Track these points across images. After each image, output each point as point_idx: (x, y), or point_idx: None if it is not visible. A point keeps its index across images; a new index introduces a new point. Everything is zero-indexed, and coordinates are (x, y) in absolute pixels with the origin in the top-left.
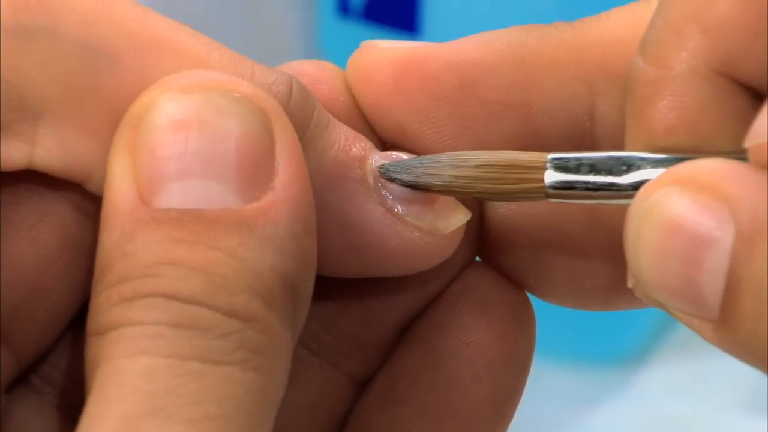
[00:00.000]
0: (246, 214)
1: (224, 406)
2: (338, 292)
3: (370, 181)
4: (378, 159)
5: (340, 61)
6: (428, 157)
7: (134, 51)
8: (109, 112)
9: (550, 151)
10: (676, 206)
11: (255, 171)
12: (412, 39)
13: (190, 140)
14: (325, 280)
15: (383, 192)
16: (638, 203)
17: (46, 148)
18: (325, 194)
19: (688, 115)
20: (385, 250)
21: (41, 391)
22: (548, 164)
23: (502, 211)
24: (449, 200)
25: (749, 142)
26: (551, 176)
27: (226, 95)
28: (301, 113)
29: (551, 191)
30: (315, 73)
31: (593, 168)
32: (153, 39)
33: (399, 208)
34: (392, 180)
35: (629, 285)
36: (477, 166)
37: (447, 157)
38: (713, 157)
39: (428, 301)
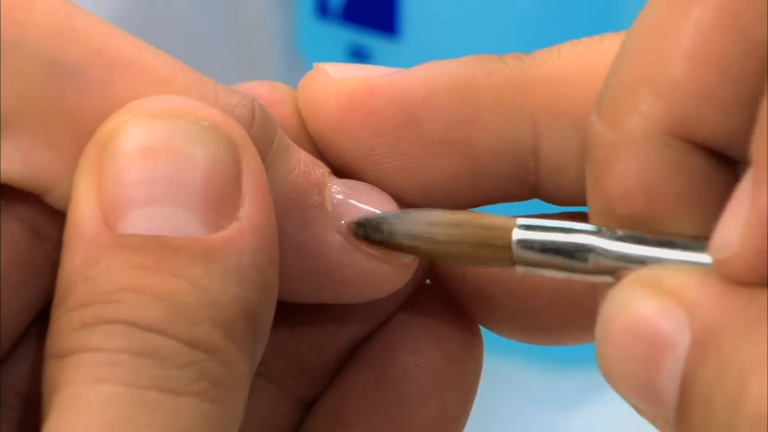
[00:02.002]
0: (211, 244)
1: None
2: (287, 314)
3: (329, 208)
4: (337, 188)
5: (319, 62)
6: (396, 216)
7: (99, 67)
8: (73, 126)
9: (493, 192)
10: (638, 308)
11: (221, 200)
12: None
13: (157, 167)
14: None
15: (341, 220)
16: (606, 303)
17: (7, 160)
18: (284, 220)
19: (646, 179)
20: (340, 278)
21: None
22: (514, 244)
23: None
24: None
25: (714, 255)
26: (519, 256)
27: (195, 123)
28: (263, 137)
29: (520, 268)
30: (268, 95)
31: (558, 252)
32: (118, 56)
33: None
34: (363, 238)
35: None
36: (445, 242)
37: (415, 218)
38: (676, 229)
39: (378, 324)
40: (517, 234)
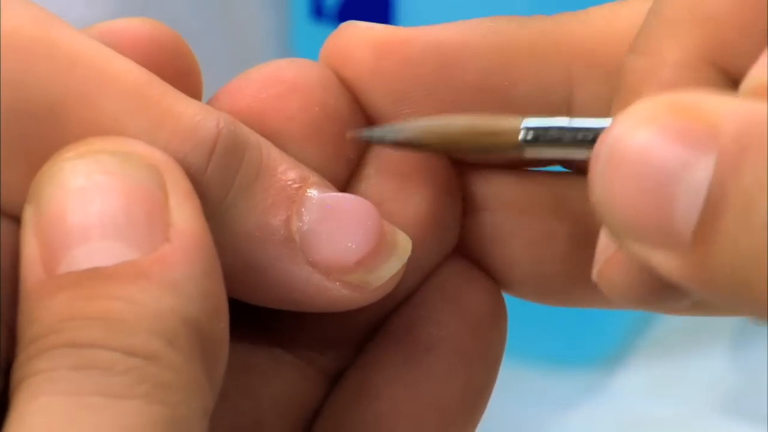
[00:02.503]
0: (141, 265)
1: None
2: None
3: (297, 238)
4: (307, 216)
5: None
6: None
7: (54, 111)
8: (31, 167)
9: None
10: (646, 131)
11: (150, 225)
12: None
13: (84, 205)
14: None
15: (311, 247)
16: (602, 139)
17: None
18: (249, 256)
19: None
20: (315, 306)
21: None
22: (523, 126)
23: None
24: (385, 245)
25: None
26: (528, 122)
27: (114, 155)
28: (221, 178)
29: (528, 141)
30: (293, 79)
31: (565, 131)
32: (79, 88)
33: (326, 263)
34: (376, 142)
35: (593, 277)
36: (447, 117)
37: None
38: None
39: (403, 297)
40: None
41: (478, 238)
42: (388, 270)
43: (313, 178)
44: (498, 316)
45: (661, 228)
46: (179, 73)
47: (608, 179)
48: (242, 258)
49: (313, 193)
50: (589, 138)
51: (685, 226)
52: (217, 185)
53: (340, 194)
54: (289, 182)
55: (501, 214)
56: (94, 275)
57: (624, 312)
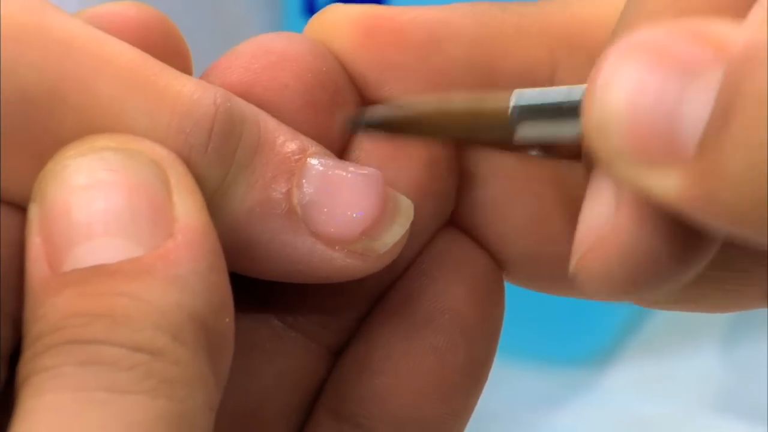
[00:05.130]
0: (146, 261)
1: (134, 430)
2: None
3: (299, 210)
4: (308, 186)
5: None
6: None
7: (51, 98)
8: (33, 157)
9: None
10: (638, 65)
11: (153, 221)
12: None
13: (88, 202)
14: None
15: (313, 219)
16: (595, 75)
17: None
18: (251, 232)
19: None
20: (319, 277)
21: None
22: (512, 101)
23: (473, 170)
24: (387, 211)
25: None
26: (516, 109)
27: (117, 152)
28: (221, 156)
29: (519, 128)
30: (283, 50)
31: (554, 103)
32: (74, 73)
33: (330, 235)
34: (365, 129)
35: (571, 269)
36: (440, 100)
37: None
38: None
39: (402, 269)
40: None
41: (475, 214)
42: (393, 236)
43: (313, 147)
44: (496, 285)
45: (662, 142)
46: (169, 54)
47: (606, 107)
48: (245, 234)
49: (313, 163)
50: (577, 101)
51: (688, 137)
52: (217, 163)
53: (341, 163)
54: (288, 154)
55: (498, 191)
56: (99, 272)
57: (614, 310)
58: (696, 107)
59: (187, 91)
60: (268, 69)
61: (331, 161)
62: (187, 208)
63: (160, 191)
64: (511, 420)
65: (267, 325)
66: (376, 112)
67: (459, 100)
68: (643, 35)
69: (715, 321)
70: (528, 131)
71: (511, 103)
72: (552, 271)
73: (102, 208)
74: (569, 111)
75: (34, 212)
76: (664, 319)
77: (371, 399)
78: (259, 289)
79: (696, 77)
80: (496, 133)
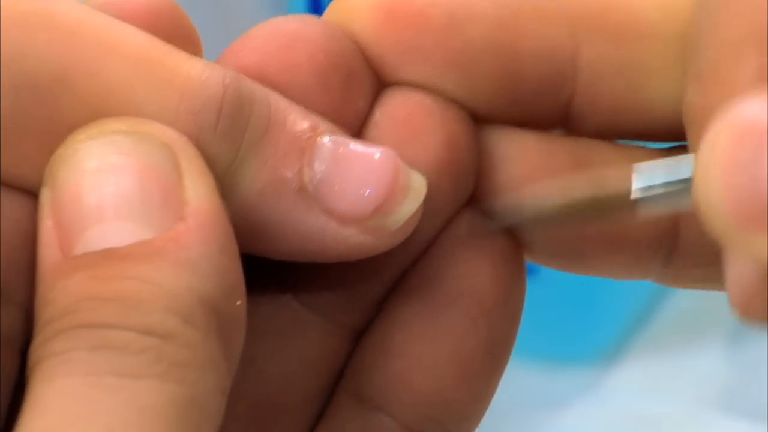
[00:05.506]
0: (156, 244)
1: (146, 414)
2: None
3: (310, 188)
4: (320, 163)
5: None
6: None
7: (61, 81)
8: (43, 141)
9: (535, 95)
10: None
11: (164, 204)
12: None
13: (99, 186)
14: None
15: (325, 197)
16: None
17: None
18: (262, 212)
19: None
20: (331, 255)
21: None
22: (634, 184)
23: (492, 148)
24: (400, 187)
25: None
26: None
27: (128, 135)
28: (231, 133)
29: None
30: (296, 31)
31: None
32: (80, 58)
33: (342, 212)
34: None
35: (732, 305)
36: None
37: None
38: None
39: (422, 248)
40: (636, 178)
41: (495, 194)
42: (405, 213)
43: (324, 125)
44: (517, 266)
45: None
46: (179, 41)
47: (712, 166)
48: (256, 213)
49: (324, 141)
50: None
51: None
52: (226, 143)
53: (352, 141)
54: (299, 132)
55: (518, 171)
56: (109, 255)
57: (620, 309)
58: None
59: (196, 72)
60: (280, 50)
61: (342, 139)
62: (198, 191)
63: (171, 174)
64: (516, 419)
65: (287, 309)
66: (507, 214)
67: (580, 189)
68: (746, 113)
69: (720, 321)
70: (651, 209)
71: (633, 186)
72: (572, 251)
73: (113, 192)
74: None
75: (45, 196)
76: (669, 319)
77: (392, 382)
78: (277, 273)
79: None
80: (617, 214)
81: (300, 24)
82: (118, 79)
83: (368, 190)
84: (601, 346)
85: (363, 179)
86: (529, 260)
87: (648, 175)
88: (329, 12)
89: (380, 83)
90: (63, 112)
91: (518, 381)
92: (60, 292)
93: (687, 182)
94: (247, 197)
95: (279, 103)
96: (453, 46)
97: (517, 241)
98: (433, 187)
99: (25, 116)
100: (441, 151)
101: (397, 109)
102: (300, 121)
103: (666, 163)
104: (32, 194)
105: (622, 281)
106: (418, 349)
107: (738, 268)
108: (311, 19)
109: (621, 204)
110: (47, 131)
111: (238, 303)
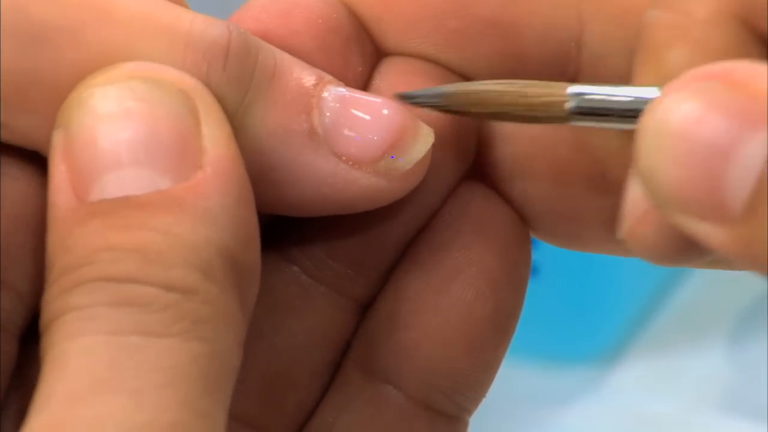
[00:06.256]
0: (175, 194)
1: (169, 375)
2: (336, 217)
3: (320, 131)
4: (329, 106)
5: None
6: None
7: (66, 28)
8: (50, 88)
9: (537, 75)
10: (697, 105)
11: (182, 152)
12: None
13: (115, 131)
14: None
15: (335, 139)
16: (650, 111)
17: None
18: (273, 154)
19: (707, 61)
20: (344, 199)
21: None
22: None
23: (495, 128)
24: (408, 131)
25: None
26: (574, 92)
27: (145, 82)
28: (240, 73)
29: (574, 119)
30: None
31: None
32: (86, 8)
33: (352, 154)
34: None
35: (619, 235)
36: (497, 83)
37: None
38: None
39: (426, 217)
40: (571, 89)
41: (497, 170)
42: (415, 154)
43: (329, 77)
44: (522, 237)
45: (710, 202)
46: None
47: (656, 152)
48: (267, 158)
49: (331, 89)
50: (634, 108)
51: (734, 201)
52: (235, 83)
53: (357, 90)
54: (306, 81)
55: (520, 147)
56: (128, 204)
57: (621, 309)
58: (742, 173)
59: (199, 22)
60: (278, 17)
61: (348, 88)
62: (215, 139)
63: (189, 122)
64: (518, 418)
65: (295, 282)
66: (431, 89)
67: (514, 87)
68: (692, 87)
69: (722, 320)
70: (583, 123)
71: (567, 105)
72: (573, 230)
73: (129, 138)
74: (625, 113)
75: (58, 139)
76: (670, 318)
77: (400, 353)
78: (285, 246)
79: (743, 143)
80: (549, 120)
81: None
82: (124, 29)
83: (377, 133)
84: (602, 346)
85: (372, 122)
86: (534, 236)
87: (586, 98)
88: None
89: (380, 53)
90: (69, 62)
91: (519, 380)
92: (77, 240)
93: (626, 112)
94: (257, 139)
95: (284, 55)
96: (453, 26)
97: (520, 215)
98: (435, 156)
99: (31, 64)
100: (441, 119)
101: (397, 77)
102: (306, 72)
103: (609, 92)
104: (30, 176)
105: (623, 281)
106: (425, 321)
107: (634, 194)
108: None
109: (552, 109)
110: (54, 81)
111: (255, 254)
